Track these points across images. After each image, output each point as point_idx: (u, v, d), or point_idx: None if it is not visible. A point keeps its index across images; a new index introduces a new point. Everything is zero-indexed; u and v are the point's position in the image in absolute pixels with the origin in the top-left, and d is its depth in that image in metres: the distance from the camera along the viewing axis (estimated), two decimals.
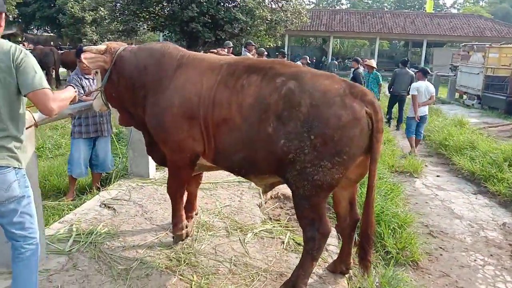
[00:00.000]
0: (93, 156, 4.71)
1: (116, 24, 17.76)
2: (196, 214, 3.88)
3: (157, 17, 17.73)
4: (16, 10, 22.14)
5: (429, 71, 8.20)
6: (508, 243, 4.40)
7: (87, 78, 4.55)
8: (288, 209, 4.62)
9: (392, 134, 9.63)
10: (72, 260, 3.00)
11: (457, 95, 17.52)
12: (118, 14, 17.42)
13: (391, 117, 11.05)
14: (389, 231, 4.06)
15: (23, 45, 24.61)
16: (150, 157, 3.95)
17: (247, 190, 4.88)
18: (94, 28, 27.50)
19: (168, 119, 3.00)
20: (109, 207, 4.01)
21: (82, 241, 3.26)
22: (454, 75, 17.66)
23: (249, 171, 2.94)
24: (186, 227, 3.48)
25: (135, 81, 3.17)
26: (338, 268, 3.19)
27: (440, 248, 4.25)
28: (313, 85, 2.64)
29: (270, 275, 3.08)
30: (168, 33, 18.07)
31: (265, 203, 4.73)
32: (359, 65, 10.67)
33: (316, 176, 2.57)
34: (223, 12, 16.55)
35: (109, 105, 3.41)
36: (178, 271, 3.00)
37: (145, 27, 18.67)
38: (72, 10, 27.93)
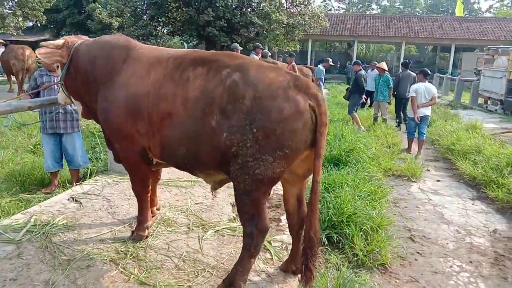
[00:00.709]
0: (63, 152, 4.77)
1: (136, 29, 18.19)
2: (157, 210, 3.86)
3: (175, 22, 18.02)
4: (44, 16, 22.97)
5: (429, 72, 7.93)
6: (494, 250, 4.14)
7: (48, 75, 4.56)
8: (272, 210, 4.52)
9: (399, 138, 9.33)
10: (19, 249, 3.03)
11: (481, 100, 16.86)
12: (137, 19, 17.83)
13: (401, 120, 10.75)
14: (360, 233, 3.90)
15: None
16: None
17: (224, 189, 4.81)
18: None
19: (114, 114, 3.01)
20: (76, 201, 4.05)
21: (36, 232, 3.29)
22: (478, 80, 17.00)
23: (194, 166, 2.89)
24: (150, 226, 3.46)
25: (88, 75, 3.19)
26: (289, 267, 3.08)
27: (417, 253, 4.04)
28: (257, 77, 2.57)
29: (217, 272, 3.01)
30: (185, 38, 18.33)
31: None
32: (361, 68, 10.50)
33: (257, 170, 2.49)
34: (239, 16, 16.63)
35: (72, 98, 3.46)
36: (122, 264, 2.97)
37: (164, 31, 19.01)
38: (100, 16, 28.84)
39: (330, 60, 15.60)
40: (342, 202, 4.17)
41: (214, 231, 3.67)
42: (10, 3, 19.78)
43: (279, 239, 3.62)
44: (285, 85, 2.52)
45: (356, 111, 10.42)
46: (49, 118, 4.54)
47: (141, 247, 3.26)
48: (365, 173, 5.68)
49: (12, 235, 3.19)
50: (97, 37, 3.45)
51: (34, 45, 21.13)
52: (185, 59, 2.88)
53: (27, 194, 4.41)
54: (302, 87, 2.53)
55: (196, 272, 2.98)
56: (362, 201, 4.37)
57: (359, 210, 4.09)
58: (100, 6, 28.99)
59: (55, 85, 3.63)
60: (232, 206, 4.42)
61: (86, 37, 3.45)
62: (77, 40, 3.35)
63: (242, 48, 11.42)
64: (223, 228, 3.75)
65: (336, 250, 3.84)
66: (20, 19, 20.77)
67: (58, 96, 3.53)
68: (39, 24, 33.16)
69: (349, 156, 6.12)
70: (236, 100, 2.52)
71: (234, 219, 4.05)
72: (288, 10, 18.78)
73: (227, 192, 4.70)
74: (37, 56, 3.26)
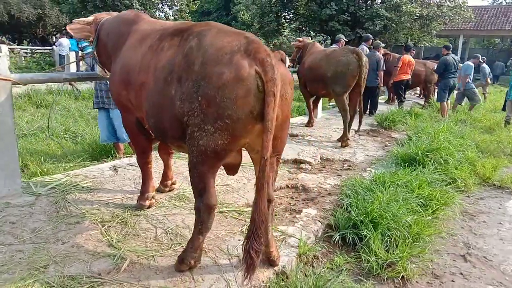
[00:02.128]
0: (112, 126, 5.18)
1: (262, 26, 18.83)
2: (173, 184, 3.92)
3: (298, 18, 18.07)
4: (190, 18, 25.56)
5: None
6: None
7: None
8: (298, 200, 4.22)
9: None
10: (35, 201, 3.44)
11: None
12: (263, 16, 18.44)
13: None
14: (385, 238, 3.32)
15: None
16: None
17: None
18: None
19: (114, 86, 3.19)
20: (115, 169, 4.40)
21: (58, 189, 3.69)
22: None
23: (165, 137, 2.83)
24: (153, 198, 3.56)
25: (107, 49, 3.43)
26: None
27: (460, 273, 3.24)
28: (211, 42, 2.41)
29: None
30: (307, 33, 18.23)
31: (277, 190, 4.43)
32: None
33: (200, 141, 2.34)
34: (364, 10, 15.79)
35: (105, 70, 3.77)
36: (107, 225, 3.12)
37: (288, 27, 19.23)
38: (243, 17, 30.78)
39: (479, 56, 13.67)
40: (370, 201, 3.61)
41: (219, 211, 3.57)
42: (160, 5, 22.52)
43: (282, 230, 3.33)
44: (234, 50, 2.29)
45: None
46: (95, 93, 5.02)
47: (137, 215, 3.36)
48: (443, 177, 4.82)
49: (39, 190, 3.65)
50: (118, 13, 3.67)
51: None
52: (168, 30, 2.86)
53: (90, 162, 4.96)
54: (251, 51, 2.26)
55: (170, 245, 2.94)
56: (404, 205, 3.70)
57: (388, 212, 3.47)
58: (244, 8, 30.99)
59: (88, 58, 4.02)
60: None
61: (116, 13, 3.71)
62: (106, 16, 3.62)
63: (347, 40, 10.79)
64: (230, 210, 3.62)
65: (348, 253, 3.34)
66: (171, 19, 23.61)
67: (97, 68, 3.89)
68: None
69: (427, 156, 5.25)
70: (189, 67, 2.39)
71: (250, 203, 3.89)
72: (423, 0, 17.05)
73: None
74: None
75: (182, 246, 2.93)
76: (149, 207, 3.50)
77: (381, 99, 12.55)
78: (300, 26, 18.40)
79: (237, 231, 3.26)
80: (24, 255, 2.64)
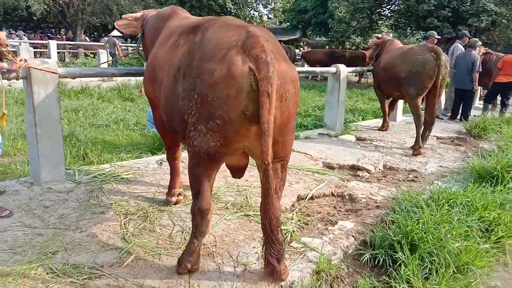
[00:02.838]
0: None
1: (355, 23, 18.05)
2: (180, 195, 3.84)
3: (393, 14, 16.91)
4: (283, 16, 25.50)
5: None
6: None
7: None
8: (340, 211, 3.88)
9: None
10: (73, 188, 3.63)
11: None
12: (355, 13, 17.66)
13: None
14: (424, 263, 2.85)
15: (302, 48, 27.77)
16: None
17: (304, 179, 4.39)
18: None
19: (145, 81, 3.23)
20: (160, 163, 4.49)
21: (99, 179, 3.86)
22: None
23: (177, 136, 2.75)
24: (180, 194, 3.53)
25: (149, 45, 3.49)
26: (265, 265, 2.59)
27: None
28: (211, 37, 2.30)
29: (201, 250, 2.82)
30: (403, 30, 16.96)
31: (320, 197, 4.13)
32: None
33: (195, 141, 2.24)
34: (468, 4, 14.19)
35: None
36: (128, 218, 3.16)
37: (381, 24, 18.13)
38: (340, 14, 29.94)
39: None
40: (415, 219, 3.14)
41: (244, 214, 3.42)
42: (255, 4, 22.87)
43: (305, 241, 3.06)
44: (231, 45, 2.13)
45: None
46: None
47: (161, 210, 3.37)
48: None
49: (81, 178, 3.85)
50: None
51: (285, 43, 23.92)
52: (187, 26, 2.78)
53: (146, 153, 5.14)
54: (248, 47, 2.06)
55: (180, 245, 2.88)
56: (456, 228, 3.15)
57: (432, 234, 2.98)
58: (336, 4, 30.11)
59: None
60: (298, 198, 3.99)
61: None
62: (153, 12, 3.68)
63: (440, 37, 9.74)
64: (257, 214, 3.43)
65: (378, 276, 2.94)
66: (265, 18, 23.89)
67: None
68: (288, 25, 36.89)
69: (508, 173, 4.46)
70: (190, 63, 2.29)
71: (286, 209, 3.67)
72: None
73: (302, 184, 4.27)
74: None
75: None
76: (176, 203, 3.48)
77: (479, 104, 11.17)
78: (396, 23, 17.22)
79: (256, 237, 3.08)
80: (41, 239, 2.78)
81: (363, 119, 8.40)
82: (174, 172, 3.47)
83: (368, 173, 4.98)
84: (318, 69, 8.30)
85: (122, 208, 3.33)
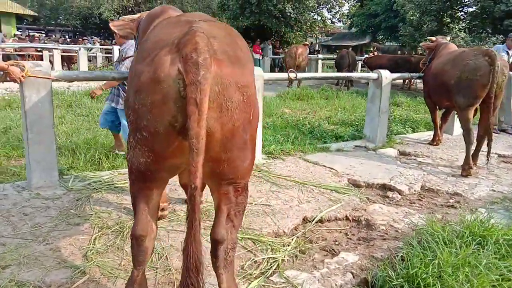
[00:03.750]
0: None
1: (424, 26, 16.76)
2: (163, 210, 3.52)
3: (465, 16, 15.40)
4: (349, 21, 24.59)
5: None
6: None
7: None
8: (350, 239, 3.36)
9: None
10: (62, 195, 3.50)
11: None
12: (422, 16, 16.39)
13: None
14: None
15: (372, 54, 26.63)
16: None
17: (323, 199, 3.89)
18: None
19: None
20: None
21: (91, 186, 3.70)
22: None
23: None
24: (163, 209, 3.22)
25: None
26: None
27: None
28: (156, 34, 2.03)
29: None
30: (478, 34, 15.34)
31: (331, 220, 3.62)
32: None
33: (128, 155, 1.95)
34: None
35: None
36: (101, 232, 2.94)
37: (453, 27, 16.61)
38: (412, 18, 28.30)
39: None
40: (428, 259, 2.54)
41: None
42: (318, 9, 22.34)
43: (288, 276, 2.61)
44: (167, 43, 1.79)
45: None
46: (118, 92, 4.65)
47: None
48: None
49: (75, 184, 3.73)
50: None
51: (354, 48, 23.13)
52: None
53: None
54: (182, 44, 1.70)
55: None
56: (481, 276, 2.50)
57: (445, 280, 2.37)
58: (407, 8, 28.45)
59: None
60: (304, 221, 3.53)
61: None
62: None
63: None
64: (245, 238, 3.05)
65: None
66: (328, 23, 23.24)
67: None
68: (357, 29, 35.74)
69: None
70: (132, 65, 2.00)
71: (284, 233, 3.24)
72: None
73: (313, 204, 3.79)
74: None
75: (156, 272, 2.54)
76: (159, 218, 3.19)
77: None
78: (469, 26, 15.67)
79: (237, 265, 2.68)
80: (1, 249, 2.64)
81: (413, 131, 7.57)
82: None
83: (400, 194, 4.33)
84: (355, 74, 7.66)
85: (100, 220, 3.12)
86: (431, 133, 7.14)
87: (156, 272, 2.56)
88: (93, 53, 18.95)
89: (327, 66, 23.97)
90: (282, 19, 19.56)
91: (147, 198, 1.98)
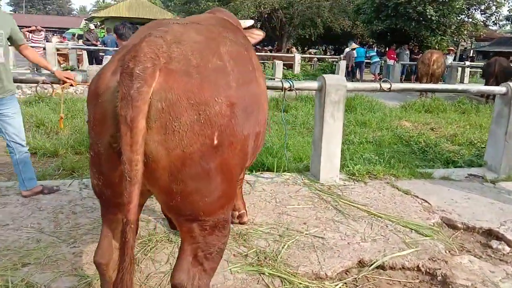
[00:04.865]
0: None
1: None
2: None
3: None
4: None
5: None
6: None
7: None
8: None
9: None
10: (61, 195, 3.59)
11: None
12: None
13: None
14: None
15: None
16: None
17: (394, 239, 3.17)
18: None
19: None
20: None
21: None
22: None
23: None
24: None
25: None
26: None
27: None
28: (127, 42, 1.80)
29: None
30: None
31: (396, 269, 2.91)
32: None
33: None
34: None
35: None
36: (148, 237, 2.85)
37: None
38: None
39: None
40: None
41: (256, 270, 2.65)
42: (468, 11, 19.64)
43: None
44: (122, 51, 1.55)
45: None
46: None
47: (171, 241, 2.93)
48: None
49: (74, 187, 3.79)
50: None
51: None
52: None
53: None
54: (127, 53, 1.43)
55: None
56: None
57: None
58: None
59: None
60: (360, 264, 2.91)
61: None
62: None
63: None
64: (273, 274, 2.62)
65: None
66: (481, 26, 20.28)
67: None
68: None
69: None
70: None
71: (326, 276, 2.70)
72: None
73: (378, 244, 3.12)
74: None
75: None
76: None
77: None
78: None
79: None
80: (33, 246, 2.75)
81: None
82: None
83: (510, 247, 3.30)
84: (481, 87, 6.30)
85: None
86: None
87: None
88: None
89: (480, 74, 20.92)
90: (422, 22, 17.74)
91: (110, 223, 1.76)
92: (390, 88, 4.26)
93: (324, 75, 4.16)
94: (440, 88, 5.59)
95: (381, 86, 4.24)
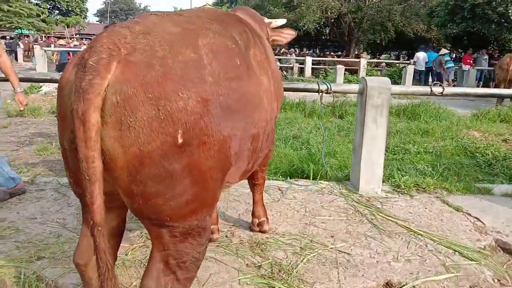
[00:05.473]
0: None
1: None
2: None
3: None
4: None
5: None
6: None
7: None
8: None
9: None
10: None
11: None
12: None
13: None
14: None
15: None
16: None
17: (432, 261, 2.80)
18: None
19: None
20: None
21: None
22: None
23: None
24: (212, 232, 2.87)
25: None
26: None
27: None
28: None
29: None
30: None
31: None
32: None
33: None
34: None
35: None
36: (146, 244, 2.82)
37: None
38: None
39: None
40: None
41: (266, 283, 2.47)
42: None
43: None
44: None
45: None
46: None
47: None
48: None
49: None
50: None
51: None
52: None
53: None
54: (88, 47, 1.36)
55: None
56: None
57: None
58: None
59: None
60: (387, 286, 2.60)
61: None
62: None
63: None
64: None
65: None
66: None
67: None
68: None
69: None
70: None
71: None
72: None
73: (412, 265, 2.78)
74: None
75: None
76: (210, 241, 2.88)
77: None
78: None
79: None
80: (52, 240, 2.82)
81: None
82: None
83: None
84: None
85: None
86: None
87: None
88: (289, 63, 20.01)
89: None
90: (504, 24, 16.21)
91: (86, 222, 1.70)
92: (442, 93, 3.83)
93: (366, 77, 3.86)
94: (505, 93, 4.94)
95: (432, 90, 3.83)
